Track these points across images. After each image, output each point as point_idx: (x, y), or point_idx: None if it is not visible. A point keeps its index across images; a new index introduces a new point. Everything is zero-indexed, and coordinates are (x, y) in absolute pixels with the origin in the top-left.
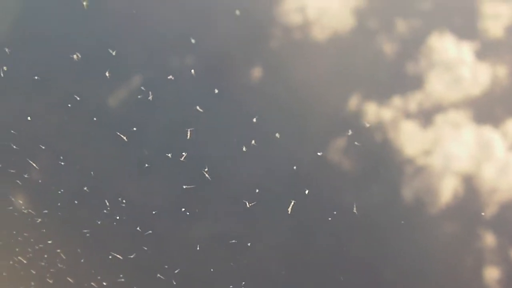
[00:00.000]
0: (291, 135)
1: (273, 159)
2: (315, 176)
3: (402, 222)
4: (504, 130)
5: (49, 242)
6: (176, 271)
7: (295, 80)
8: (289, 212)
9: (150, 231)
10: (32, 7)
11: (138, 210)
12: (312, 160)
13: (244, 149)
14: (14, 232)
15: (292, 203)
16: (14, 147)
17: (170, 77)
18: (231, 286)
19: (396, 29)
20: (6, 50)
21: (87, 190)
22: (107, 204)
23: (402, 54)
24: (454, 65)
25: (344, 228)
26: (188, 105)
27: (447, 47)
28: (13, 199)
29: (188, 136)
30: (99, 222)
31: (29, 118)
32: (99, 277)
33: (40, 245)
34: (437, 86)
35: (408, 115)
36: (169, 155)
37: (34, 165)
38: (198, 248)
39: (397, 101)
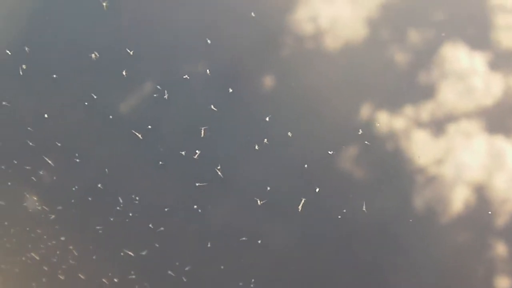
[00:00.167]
0: (303, 136)
1: (284, 157)
2: (325, 176)
3: (411, 220)
4: None
5: (62, 238)
6: (186, 268)
7: (309, 88)
8: (300, 210)
9: (162, 228)
10: (52, 7)
11: (150, 207)
12: (323, 159)
13: (256, 147)
14: (28, 229)
15: (303, 201)
16: (30, 144)
17: (186, 76)
18: (240, 283)
19: (409, 39)
20: (26, 49)
21: (101, 187)
22: (121, 201)
23: (415, 64)
24: (467, 75)
25: (354, 235)
26: (202, 104)
27: (459, 57)
28: (27, 195)
29: (202, 135)
30: (112, 219)
31: (46, 115)
32: (110, 274)
33: (53, 242)
34: (449, 95)
35: (420, 125)
36: (183, 153)
37: (50, 162)
38: (209, 245)
39: (409, 110)
